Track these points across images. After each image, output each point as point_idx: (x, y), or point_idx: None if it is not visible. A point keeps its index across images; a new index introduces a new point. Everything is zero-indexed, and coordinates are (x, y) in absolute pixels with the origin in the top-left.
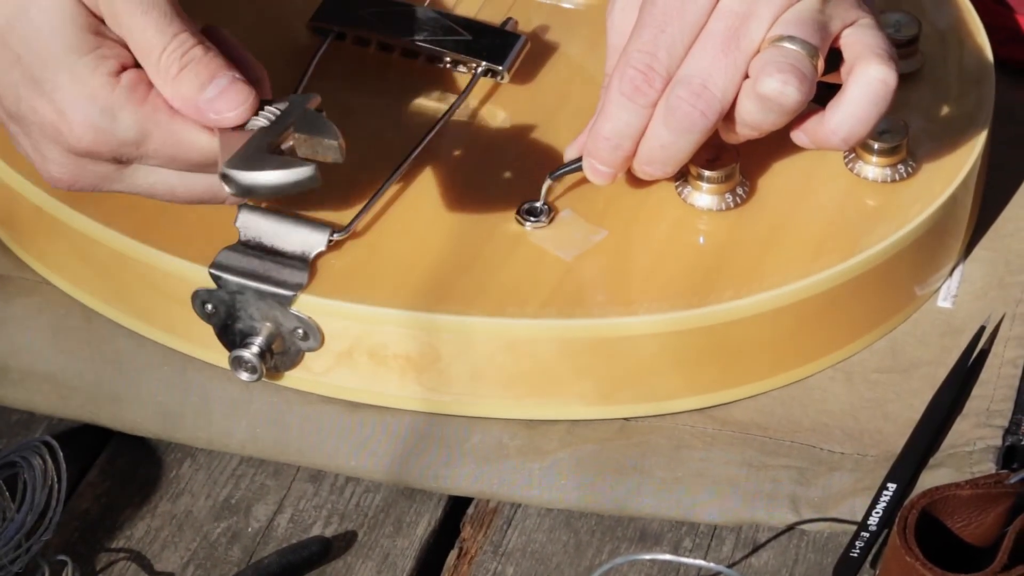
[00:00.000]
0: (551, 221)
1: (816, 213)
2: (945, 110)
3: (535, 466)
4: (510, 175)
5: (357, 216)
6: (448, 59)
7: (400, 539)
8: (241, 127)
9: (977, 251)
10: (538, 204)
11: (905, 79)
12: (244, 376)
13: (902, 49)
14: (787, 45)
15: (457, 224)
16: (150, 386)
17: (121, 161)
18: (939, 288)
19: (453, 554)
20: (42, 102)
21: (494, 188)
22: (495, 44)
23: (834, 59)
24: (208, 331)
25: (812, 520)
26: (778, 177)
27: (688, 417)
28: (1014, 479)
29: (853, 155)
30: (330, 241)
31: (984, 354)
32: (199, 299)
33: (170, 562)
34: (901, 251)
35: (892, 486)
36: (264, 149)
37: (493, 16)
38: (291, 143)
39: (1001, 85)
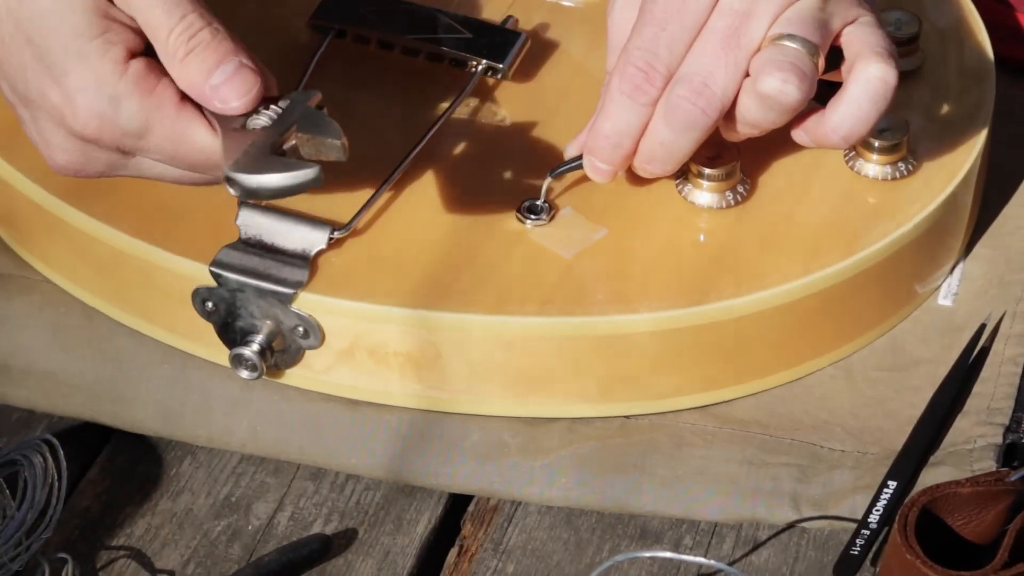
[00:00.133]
0: (551, 219)
1: (816, 211)
2: (946, 108)
3: (536, 464)
4: (510, 173)
5: (358, 214)
6: (448, 57)
7: (400, 537)
8: (243, 127)
9: (978, 249)
10: (538, 202)
11: (905, 77)
12: (244, 374)
13: (902, 47)
14: (787, 43)
15: (457, 222)
16: (150, 384)
17: (125, 153)
18: (940, 286)
19: (453, 552)
20: (50, 86)
21: (494, 186)
22: (495, 42)
23: (835, 57)
24: (208, 329)
25: (813, 518)
26: (779, 175)
27: (689, 415)
28: (1014, 477)
29: (853, 153)
30: (331, 239)
31: (985, 352)
32: (199, 297)
33: (170, 560)
34: (902, 249)
35: (893, 484)
36: (267, 150)
37: (493, 14)
38: (293, 143)
39: (1002, 83)
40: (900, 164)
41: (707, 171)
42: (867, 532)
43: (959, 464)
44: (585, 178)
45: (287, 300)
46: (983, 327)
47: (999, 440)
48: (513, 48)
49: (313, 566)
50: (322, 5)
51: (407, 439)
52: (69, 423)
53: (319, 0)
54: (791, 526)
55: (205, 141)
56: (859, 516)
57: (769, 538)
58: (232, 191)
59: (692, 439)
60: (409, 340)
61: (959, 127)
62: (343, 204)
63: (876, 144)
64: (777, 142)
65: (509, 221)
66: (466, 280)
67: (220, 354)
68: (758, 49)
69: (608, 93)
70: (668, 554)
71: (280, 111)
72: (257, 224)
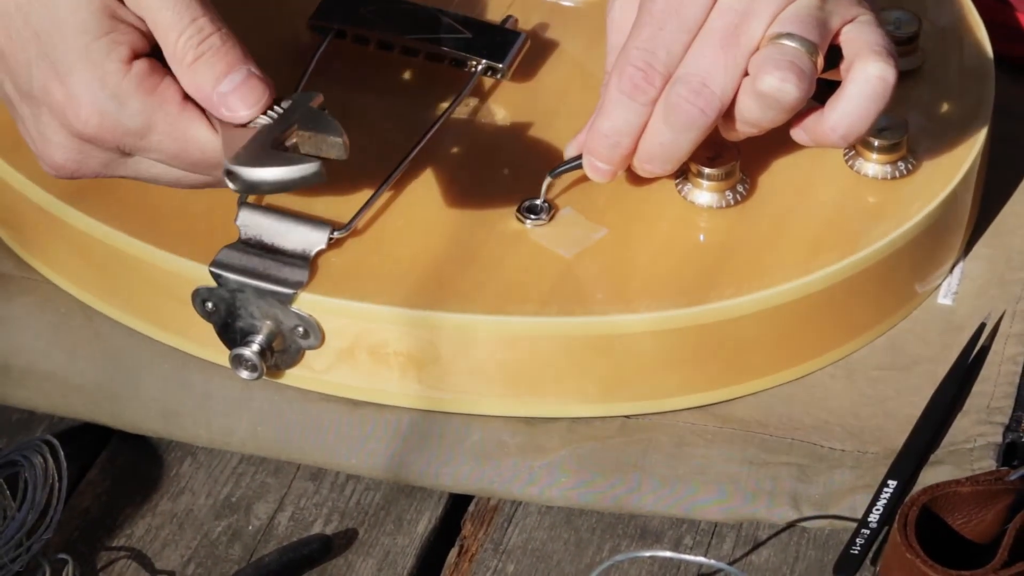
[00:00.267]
0: (551, 219)
1: (816, 210)
2: (945, 107)
3: (536, 464)
4: (510, 173)
5: (358, 214)
6: (448, 57)
7: (401, 537)
8: (244, 124)
9: (978, 248)
10: (538, 202)
11: (905, 76)
12: (244, 374)
13: (902, 46)
14: (786, 42)
15: (457, 222)
16: (150, 385)
17: (125, 152)
18: (940, 285)
19: (454, 552)
20: (54, 82)
21: (494, 186)
22: (495, 42)
23: (834, 56)
24: (209, 329)
25: (813, 517)
26: (778, 174)
27: (689, 415)
28: (1014, 476)
29: (853, 152)
30: (330, 239)
31: (984, 351)
32: (199, 297)
33: (171, 561)
34: (901, 248)
35: (893, 483)
36: (268, 145)
37: (493, 14)
38: (295, 140)
39: (1001, 82)
40: (900, 163)
41: (707, 171)
42: (867, 531)
43: (959, 463)
44: (585, 178)
45: (287, 300)
46: (983, 326)
47: (999, 439)
48: (513, 48)
49: (313, 566)
50: (322, 5)
51: (407, 439)
52: (69, 424)
53: (319, 0)
54: (791, 525)
55: (206, 140)
56: (859, 515)
57: (769, 537)
58: (232, 185)
59: (692, 439)
60: (409, 340)
61: (959, 126)
62: (343, 204)
63: (876, 143)
64: (777, 141)
65: (509, 221)
66: (466, 280)
67: (220, 354)
68: (757, 48)
69: (607, 93)
70: (668, 554)
71: (282, 111)
72: (257, 224)
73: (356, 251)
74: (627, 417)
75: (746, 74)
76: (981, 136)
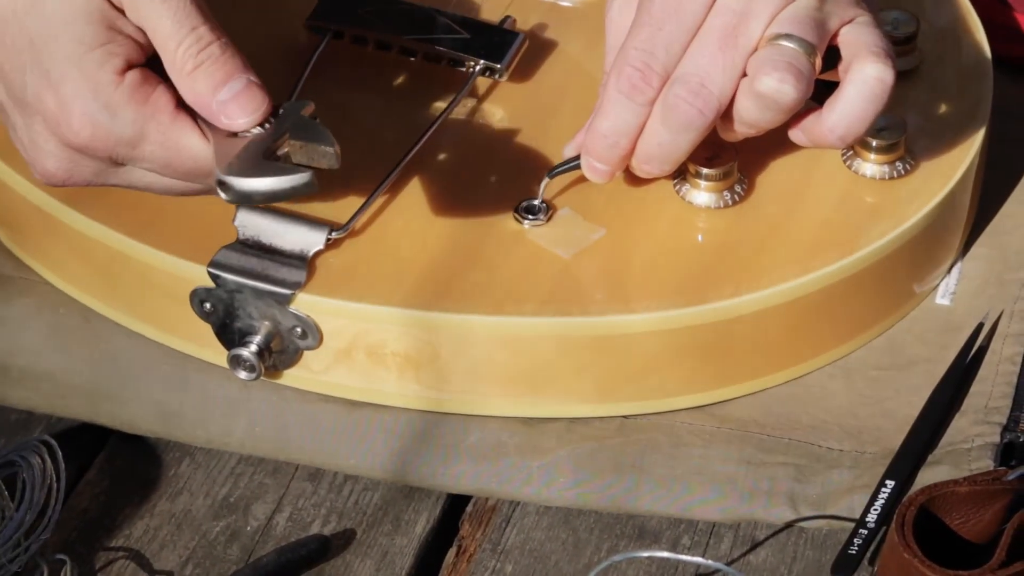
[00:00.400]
0: (549, 219)
1: (814, 210)
2: (943, 107)
3: (534, 464)
4: (508, 173)
5: (356, 214)
6: (446, 57)
7: (399, 537)
8: (236, 134)
9: (975, 248)
10: (536, 202)
11: (903, 76)
12: (243, 375)
13: (900, 46)
14: (785, 43)
15: (455, 222)
16: (149, 385)
17: (116, 162)
18: (938, 285)
19: (452, 552)
20: (47, 92)
21: (492, 186)
22: (493, 42)
23: (832, 57)
24: (207, 330)
25: (810, 517)
26: (776, 175)
27: (687, 415)
28: (1012, 476)
29: (851, 152)
30: (328, 239)
31: (982, 351)
32: (197, 298)
33: (169, 561)
34: (899, 248)
35: (890, 483)
36: (260, 155)
37: (491, 14)
38: (286, 150)
39: (1000, 83)
40: (898, 163)
41: (705, 171)
42: (865, 531)
43: (957, 463)
44: (583, 178)
45: (285, 301)
46: (981, 326)
47: (997, 439)
48: (511, 48)
49: (311, 567)
50: (319, 6)
51: (405, 439)
52: (67, 424)
53: (316, 1)
54: (789, 525)
55: (198, 149)
56: (857, 515)
57: (767, 538)
58: (224, 196)
59: (690, 439)
60: (407, 340)
61: (957, 126)
62: (341, 205)
63: (874, 143)
64: (775, 142)
65: (507, 221)
66: (464, 280)
67: (218, 355)
68: (755, 49)
69: (606, 93)
70: (666, 554)
71: (273, 120)
72: (255, 225)
73: (354, 252)
74: (625, 417)
75: (744, 75)
76: (979, 136)
